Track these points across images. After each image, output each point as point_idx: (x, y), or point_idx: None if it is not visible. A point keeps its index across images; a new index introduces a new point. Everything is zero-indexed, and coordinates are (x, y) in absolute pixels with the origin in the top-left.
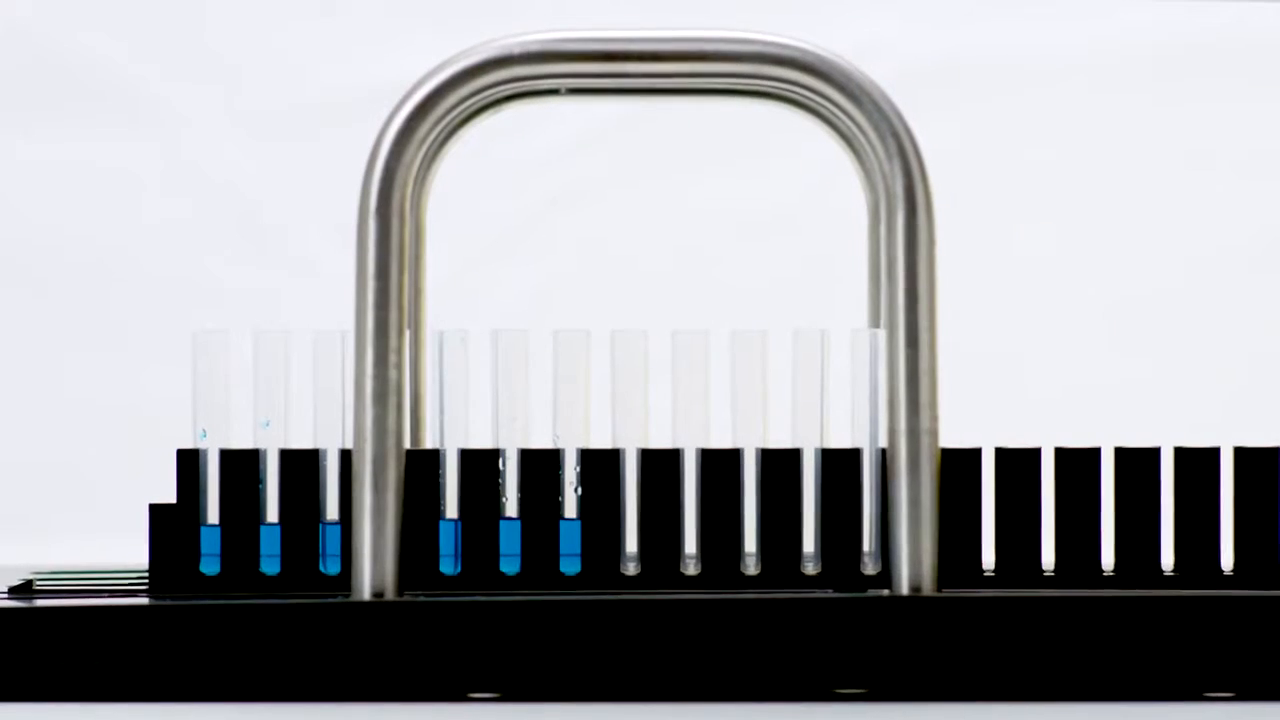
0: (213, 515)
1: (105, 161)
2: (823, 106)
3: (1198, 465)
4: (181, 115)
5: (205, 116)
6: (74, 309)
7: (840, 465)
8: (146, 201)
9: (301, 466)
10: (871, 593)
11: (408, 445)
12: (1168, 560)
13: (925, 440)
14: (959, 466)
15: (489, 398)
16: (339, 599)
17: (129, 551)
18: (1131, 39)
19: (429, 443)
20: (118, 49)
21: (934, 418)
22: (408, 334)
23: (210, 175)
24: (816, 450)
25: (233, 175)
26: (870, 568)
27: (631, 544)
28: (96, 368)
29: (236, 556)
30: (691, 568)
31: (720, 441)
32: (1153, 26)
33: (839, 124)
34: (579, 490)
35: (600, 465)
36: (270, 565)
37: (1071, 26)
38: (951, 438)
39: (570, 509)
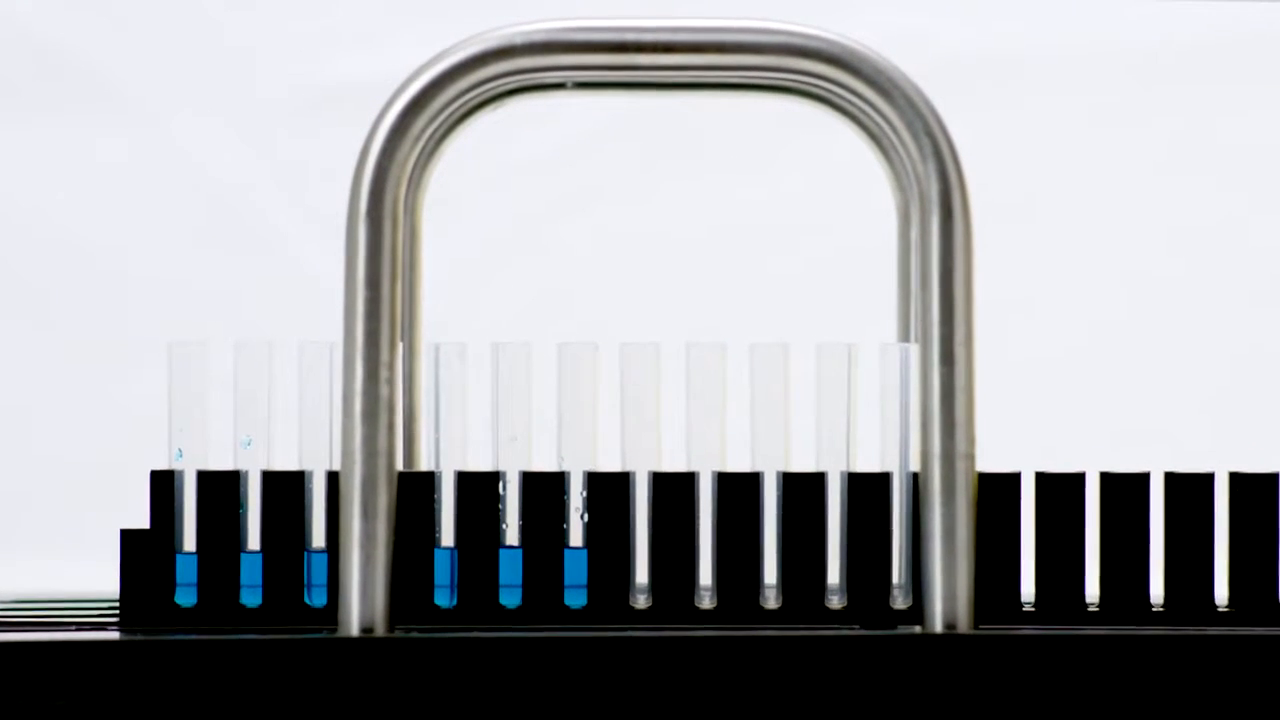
0: (189, 542)
1: (88, 157)
2: (850, 102)
3: (1254, 492)
4: (168, 109)
5: (193, 111)
6: (49, 313)
7: (868, 491)
8: (129, 199)
9: (285, 490)
10: (902, 629)
11: (400, 467)
12: (1221, 594)
13: (961, 464)
14: (997, 492)
15: (488, 416)
16: (325, 634)
17: (98, 579)
18: (1172, 32)
19: (423, 464)
20: (102, 42)
21: (970, 440)
22: (401, 346)
23: (197, 173)
24: (842, 474)
25: (220, 173)
26: (900, 602)
27: (642, 575)
28: (69, 377)
29: (214, 587)
30: (707, 601)
31: (738, 464)
32: (1192, 20)
33: (867, 121)
34: (585, 516)
35: (608, 489)
36: (251, 596)
37: (1109, 21)
38: (988, 461)
39: (576, 537)
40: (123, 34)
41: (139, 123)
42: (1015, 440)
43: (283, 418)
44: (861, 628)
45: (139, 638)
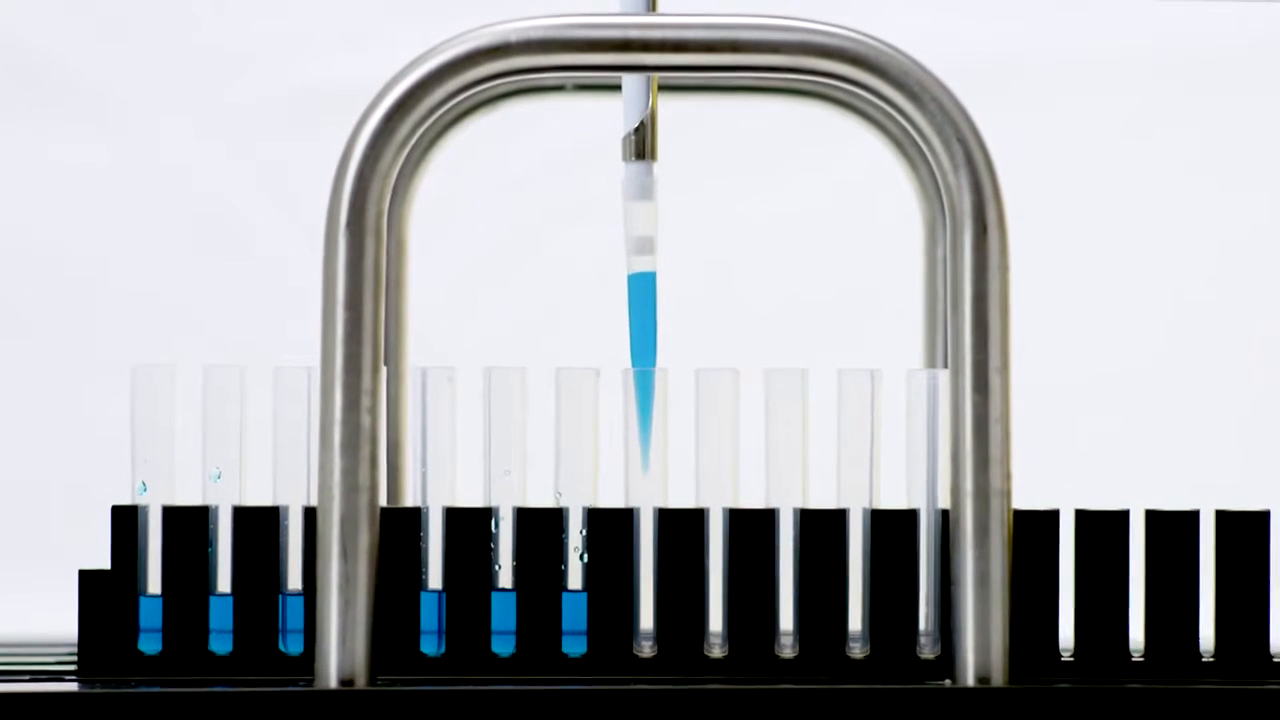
0: (153, 583)
1: (61, 162)
2: (874, 106)
3: None
4: (147, 113)
5: (167, 112)
6: (7, 328)
7: (893, 529)
8: (102, 206)
9: (258, 527)
10: (930, 683)
11: (383, 503)
12: (1277, 644)
13: (995, 502)
14: (1034, 532)
15: (480, 447)
16: (301, 685)
17: (55, 621)
18: (1211, 33)
19: (408, 500)
20: (77, 43)
21: (1006, 476)
22: (384, 371)
23: (176, 179)
24: (865, 511)
25: (201, 179)
26: (928, 651)
27: (647, 621)
28: (24, 398)
29: (181, 632)
30: (717, 649)
31: (752, 500)
32: (1236, 21)
33: (892, 127)
34: (585, 557)
35: (610, 527)
36: (220, 643)
37: (1134, 23)
38: (1023, 498)
39: (575, 579)
40: (99, 35)
41: (116, 127)
42: (1052, 474)
43: (256, 448)
44: (886, 680)
45: (98, 690)
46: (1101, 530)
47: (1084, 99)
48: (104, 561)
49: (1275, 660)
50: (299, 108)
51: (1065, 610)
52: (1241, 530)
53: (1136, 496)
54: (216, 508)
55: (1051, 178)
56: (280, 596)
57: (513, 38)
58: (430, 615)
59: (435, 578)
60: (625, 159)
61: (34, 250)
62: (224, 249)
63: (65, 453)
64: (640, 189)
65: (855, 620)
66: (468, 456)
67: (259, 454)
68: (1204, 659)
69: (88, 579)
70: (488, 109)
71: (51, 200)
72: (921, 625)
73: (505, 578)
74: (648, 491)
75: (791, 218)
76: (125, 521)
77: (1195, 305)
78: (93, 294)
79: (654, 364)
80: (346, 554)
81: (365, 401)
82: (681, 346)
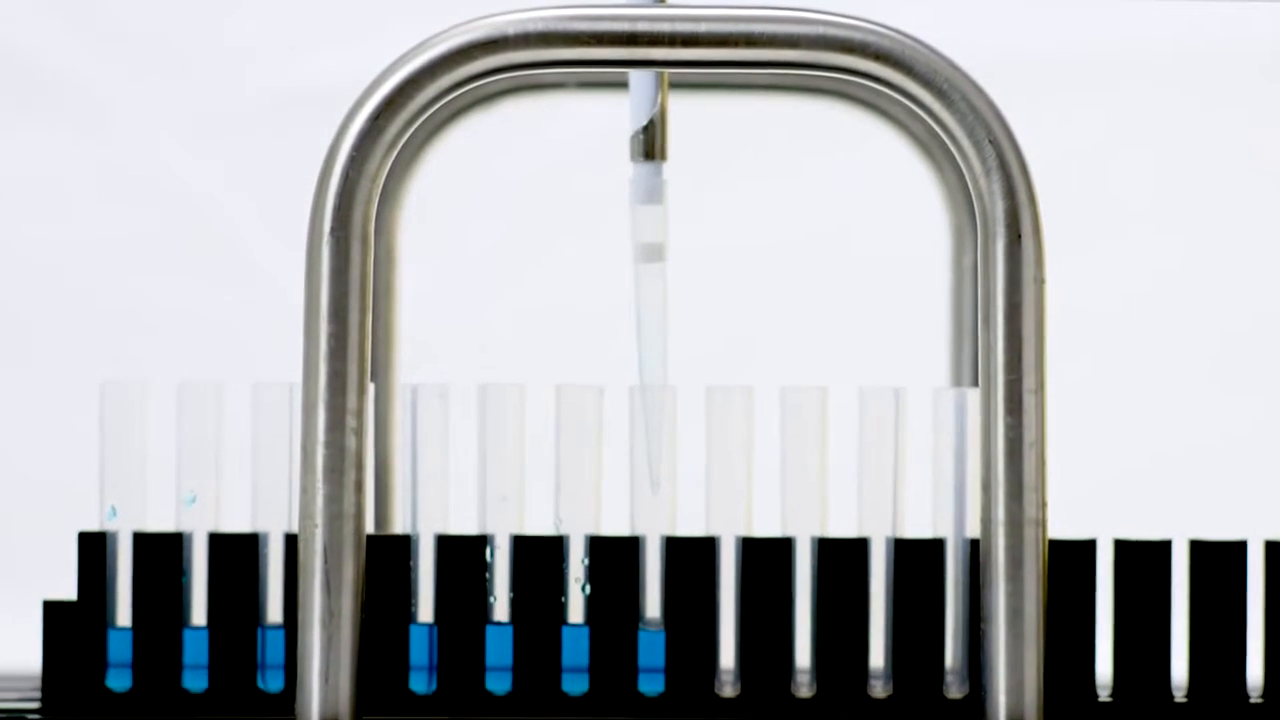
0: (123, 615)
1: (39, 163)
2: (898, 105)
3: None
4: (118, 110)
5: (147, 112)
6: None
7: (918, 560)
8: (79, 210)
9: (236, 555)
10: None
11: (370, 530)
12: None
13: (1029, 531)
14: (1069, 563)
15: (474, 470)
16: None
17: (18, 654)
18: (1235, 31)
19: (397, 527)
20: (61, 42)
21: (1041, 504)
22: (371, 388)
23: (150, 180)
24: (888, 540)
25: (185, 182)
26: (955, 690)
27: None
28: None
29: (153, 668)
30: (728, 688)
31: (766, 528)
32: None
33: (916, 128)
34: (586, 588)
35: (614, 557)
36: (195, 679)
37: (1168, 20)
38: (1058, 526)
39: (576, 612)
40: (83, 34)
41: (87, 124)
42: (1088, 500)
43: (233, 471)
44: None
45: None
46: (1142, 561)
47: (1087, 98)
48: (70, 591)
49: None
50: (298, 108)
51: (1103, 647)
52: None
53: (1179, 525)
54: (191, 534)
55: (1070, 180)
56: (259, 629)
57: (510, 31)
58: (420, 650)
59: (426, 610)
60: (633, 160)
61: (16, 254)
62: (212, 254)
63: (30, 473)
64: (649, 192)
65: (877, 657)
66: (461, 480)
67: (237, 477)
68: (1251, 699)
69: (53, 610)
70: (485, 107)
71: (36, 204)
72: (948, 663)
73: (501, 610)
74: (654, 518)
75: (808, 224)
76: (93, 549)
77: (1238, 317)
78: (70, 300)
79: (662, 381)
80: (330, 585)
81: (351, 421)
82: (691, 361)
